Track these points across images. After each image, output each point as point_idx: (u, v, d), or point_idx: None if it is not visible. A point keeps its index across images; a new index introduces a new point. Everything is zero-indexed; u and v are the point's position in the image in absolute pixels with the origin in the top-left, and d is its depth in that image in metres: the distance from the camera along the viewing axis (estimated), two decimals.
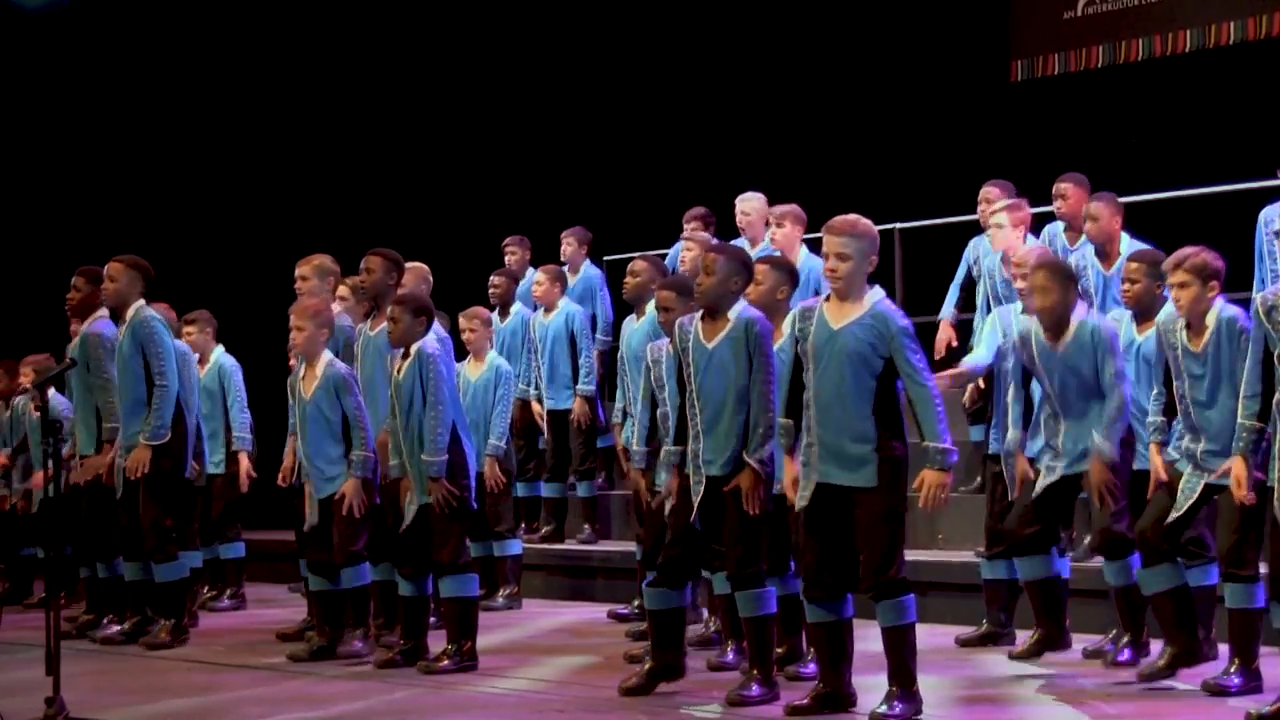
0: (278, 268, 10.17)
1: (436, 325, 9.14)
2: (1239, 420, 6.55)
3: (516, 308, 11.59)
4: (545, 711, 7.09)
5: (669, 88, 15.16)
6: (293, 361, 8.89)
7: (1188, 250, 7.01)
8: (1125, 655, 7.37)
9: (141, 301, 9.24)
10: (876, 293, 6.58)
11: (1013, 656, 7.70)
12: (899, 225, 11.81)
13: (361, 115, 16.22)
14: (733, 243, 10.08)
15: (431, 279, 9.71)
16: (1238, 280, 9.24)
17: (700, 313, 7.18)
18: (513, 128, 15.90)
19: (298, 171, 16.24)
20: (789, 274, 7.59)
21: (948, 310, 10.06)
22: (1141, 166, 12.67)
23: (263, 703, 7.52)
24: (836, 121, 14.35)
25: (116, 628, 9.46)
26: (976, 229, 9.98)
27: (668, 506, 7.41)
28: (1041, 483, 7.51)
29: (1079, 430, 7.35)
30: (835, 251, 6.54)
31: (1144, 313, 7.53)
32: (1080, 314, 7.41)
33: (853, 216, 6.66)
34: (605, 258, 13.48)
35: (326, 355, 8.58)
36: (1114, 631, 7.65)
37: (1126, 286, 7.58)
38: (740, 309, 7.10)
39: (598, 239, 14.07)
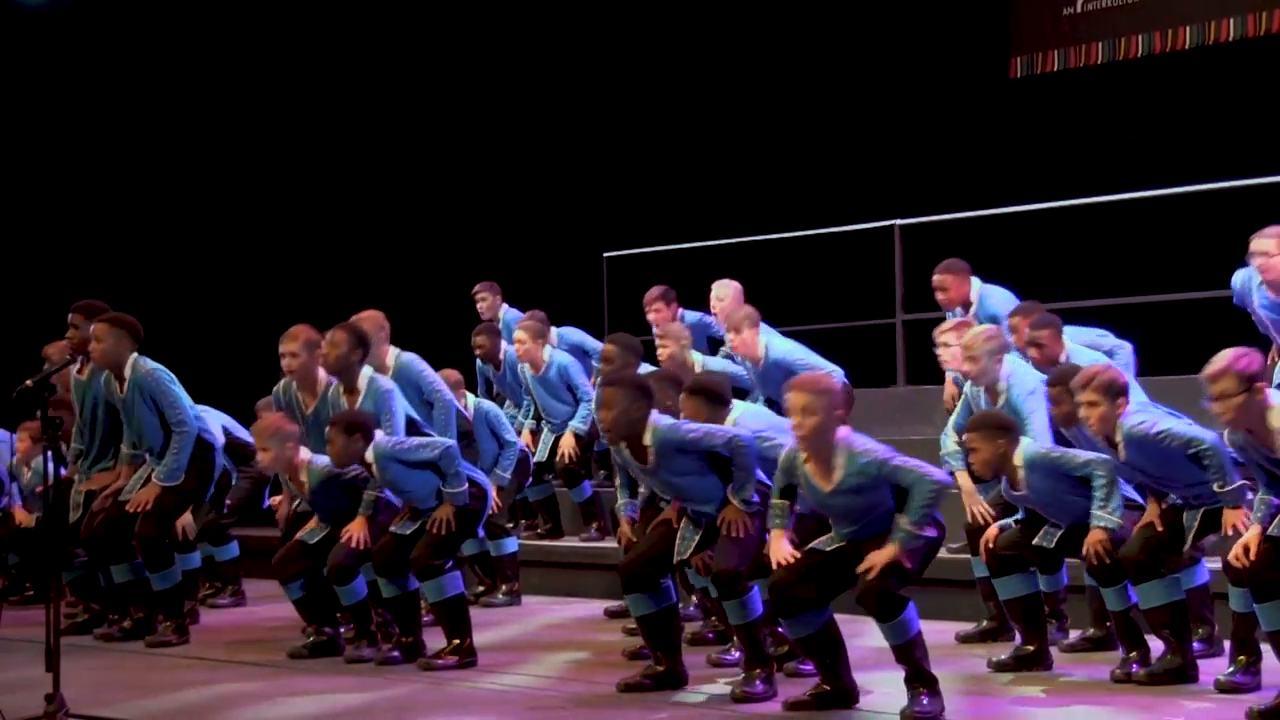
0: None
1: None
2: (1260, 494, 6.50)
3: (506, 352, 11.49)
4: (545, 708, 7.09)
5: (668, 84, 15.16)
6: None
7: (1094, 369, 7.17)
8: (1134, 669, 7.31)
9: (136, 355, 9.10)
10: (844, 437, 6.55)
11: (992, 664, 7.65)
12: (899, 222, 11.79)
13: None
14: (705, 320, 10.03)
15: (388, 325, 9.54)
16: (1227, 278, 9.22)
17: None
18: (510, 128, 15.91)
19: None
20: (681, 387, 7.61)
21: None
22: (1141, 163, 12.68)
23: (263, 699, 7.52)
24: (836, 118, 14.35)
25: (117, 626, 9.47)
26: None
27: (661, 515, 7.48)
28: (1039, 539, 7.53)
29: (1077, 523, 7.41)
30: (800, 406, 6.53)
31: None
32: (1020, 448, 7.35)
33: (818, 375, 6.89)
34: (605, 254, 13.48)
35: (304, 458, 8.48)
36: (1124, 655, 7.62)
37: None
38: (650, 431, 7.09)
39: (598, 235, 14.08)
